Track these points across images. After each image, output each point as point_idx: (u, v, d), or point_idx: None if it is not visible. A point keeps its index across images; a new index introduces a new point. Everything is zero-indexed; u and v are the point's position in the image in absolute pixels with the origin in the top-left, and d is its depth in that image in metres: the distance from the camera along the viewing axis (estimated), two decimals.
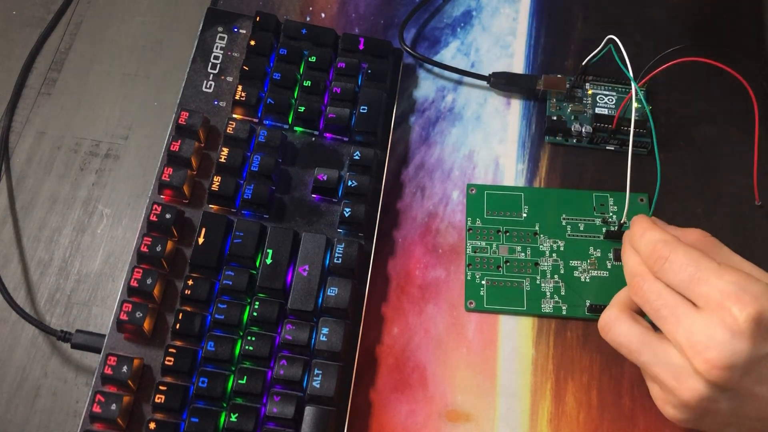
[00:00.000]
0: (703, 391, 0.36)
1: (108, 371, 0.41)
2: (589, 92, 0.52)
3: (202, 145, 0.48)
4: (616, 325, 0.40)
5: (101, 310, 0.47)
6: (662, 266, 0.38)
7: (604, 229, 0.48)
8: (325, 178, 0.47)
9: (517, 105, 0.53)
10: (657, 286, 0.38)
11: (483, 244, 0.48)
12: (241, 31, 0.51)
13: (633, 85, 0.45)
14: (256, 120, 0.49)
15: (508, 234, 0.48)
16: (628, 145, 0.50)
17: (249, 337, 0.42)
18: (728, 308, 0.35)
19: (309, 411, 0.41)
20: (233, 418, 0.41)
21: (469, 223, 0.49)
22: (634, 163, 0.45)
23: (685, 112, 0.52)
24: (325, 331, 0.43)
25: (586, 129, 0.51)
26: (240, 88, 0.48)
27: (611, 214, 0.49)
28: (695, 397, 0.36)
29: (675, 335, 0.37)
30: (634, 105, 0.47)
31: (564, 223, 0.49)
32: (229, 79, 0.50)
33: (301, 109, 0.48)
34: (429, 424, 0.44)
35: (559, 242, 0.48)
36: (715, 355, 0.35)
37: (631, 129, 0.44)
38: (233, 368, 0.43)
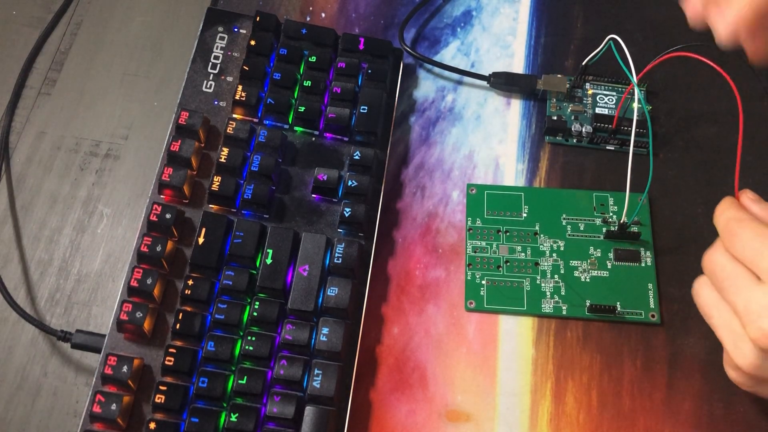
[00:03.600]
0: (755, 358, 0.37)
1: (108, 371, 0.41)
2: (589, 92, 0.52)
3: (202, 145, 0.48)
4: (701, 289, 0.42)
5: (101, 310, 0.47)
6: (731, 241, 0.40)
7: (604, 229, 0.48)
8: (325, 178, 0.47)
9: (517, 105, 0.53)
10: (723, 259, 0.40)
11: (483, 244, 0.48)
12: (241, 31, 0.51)
13: (634, 84, 0.45)
14: (256, 120, 0.49)
15: (508, 234, 0.48)
16: (628, 145, 0.51)
17: (249, 337, 0.42)
18: None
19: (309, 411, 0.41)
20: (233, 418, 0.41)
21: (469, 223, 0.49)
22: (634, 163, 0.45)
23: (685, 112, 0.52)
24: (325, 331, 0.43)
25: (586, 129, 0.51)
26: (240, 88, 0.48)
27: (611, 214, 0.49)
28: (748, 363, 0.38)
29: (735, 304, 0.38)
30: (636, 105, 0.47)
31: (564, 223, 0.49)
32: (229, 79, 0.50)
33: (301, 109, 0.48)
34: (429, 424, 0.44)
35: (559, 242, 0.48)
36: (766, 323, 0.36)
37: (633, 129, 0.44)
38: (233, 368, 0.43)
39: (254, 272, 0.45)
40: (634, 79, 0.45)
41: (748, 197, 0.42)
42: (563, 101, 0.52)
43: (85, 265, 0.48)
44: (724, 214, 0.41)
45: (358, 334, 0.44)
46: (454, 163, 0.51)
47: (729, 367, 0.41)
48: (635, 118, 0.45)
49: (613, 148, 0.51)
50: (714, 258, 0.41)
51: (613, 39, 0.46)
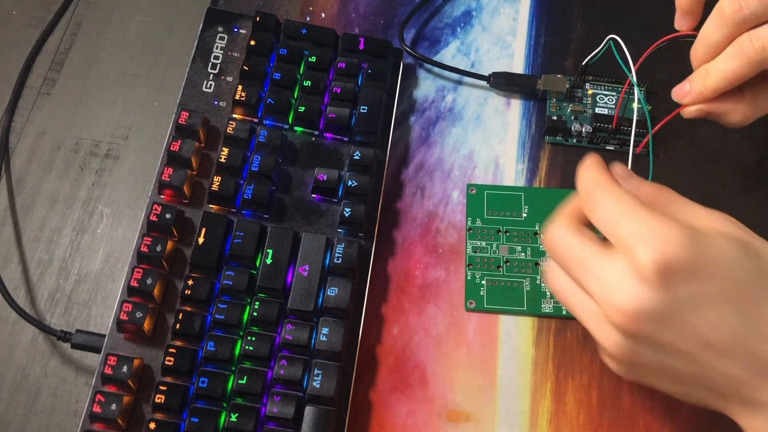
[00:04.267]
0: (620, 340, 0.35)
1: (108, 371, 0.41)
2: (589, 92, 0.52)
3: (202, 145, 0.48)
4: (554, 275, 0.39)
5: (101, 310, 0.47)
6: (589, 206, 0.37)
7: None
8: (325, 178, 0.47)
9: (517, 105, 0.53)
10: (566, 237, 0.37)
11: (483, 244, 0.48)
12: (241, 31, 0.51)
13: (634, 84, 0.45)
14: (256, 120, 0.49)
15: (508, 234, 0.48)
16: (628, 145, 0.51)
17: (249, 337, 0.42)
18: (634, 250, 0.33)
19: (309, 411, 0.41)
20: (233, 418, 0.41)
21: (469, 223, 0.49)
22: (634, 163, 0.45)
23: None
24: (325, 331, 0.43)
25: (586, 129, 0.51)
26: (240, 88, 0.48)
27: None
28: (614, 347, 0.35)
29: (587, 285, 0.35)
30: (635, 105, 0.47)
31: None
32: (229, 79, 0.50)
33: (301, 109, 0.48)
34: (429, 423, 0.44)
35: None
36: (621, 301, 0.33)
37: (633, 129, 0.44)
38: (233, 368, 0.43)
39: (254, 272, 0.45)
40: (634, 79, 0.45)
41: (617, 173, 0.39)
42: (563, 101, 0.52)
43: (85, 265, 0.48)
44: (583, 174, 0.38)
45: (358, 334, 0.44)
46: (454, 163, 0.51)
47: (603, 356, 0.38)
48: (635, 118, 0.45)
49: (613, 148, 0.51)
50: (556, 236, 0.37)
51: (612, 39, 0.46)
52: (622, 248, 0.34)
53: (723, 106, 0.42)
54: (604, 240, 0.36)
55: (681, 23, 0.43)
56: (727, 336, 0.34)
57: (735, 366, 0.34)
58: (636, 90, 0.44)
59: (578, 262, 0.36)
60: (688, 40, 0.51)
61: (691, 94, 0.42)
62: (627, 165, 0.44)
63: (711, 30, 0.40)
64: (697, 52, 0.41)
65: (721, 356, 0.34)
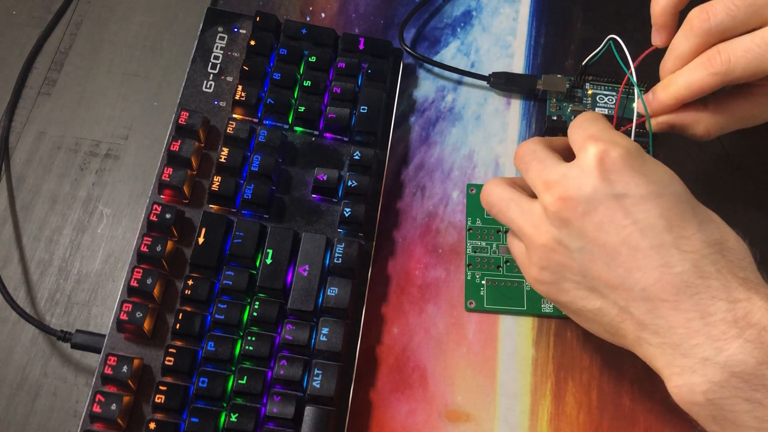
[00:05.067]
0: (553, 232, 0.37)
1: (108, 371, 0.41)
2: (589, 92, 0.52)
3: (202, 145, 0.48)
4: (493, 188, 0.41)
5: (101, 310, 0.47)
6: (570, 129, 0.40)
7: None
8: (325, 178, 0.47)
9: (517, 105, 0.53)
10: (535, 145, 0.40)
11: (483, 244, 0.48)
12: (241, 31, 0.51)
13: (634, 85, 0.45)
14: (256, 120, 0.49)
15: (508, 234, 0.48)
16: None
17: (249, 337, 0.42)
18: (584, 147, 0.37)
19: (309, 411, 0.41)
20: (233, 418, 0.41)
21: (469, 223, 0.49)
22: None
23: None
24: (325, 331, 0.43)
25: None
26: (240, 88, 0.48)
27: None
28: (547, 239, 0.37)
29: (535, 181, 0.39)
30: (635, 105, 0.47)
31: None
32: (229, 79, 0.50)
33: (301, 109, 0.48)
34: (429, 424, 0.44)
35: None
36: (561, 188, 0.37)
37: (633, 128, 0.44)
38: (233, 368, 0.43)
39: (254, 272, 0.45)
40: (634, 79, 0.45)
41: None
42: (563, 101, 0.52)
43: (85, 265, 0.48)
44: (577, 118, 0.42)
45: (358, 334, 0.45)
46: (454, 163, 0.51)
47: (529, 265, 0.40)
48: (635, 118, 0.45)
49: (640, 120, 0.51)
50: (525, 147, 0.41)
51: (612, 39, 0.46)
52: (577, 149, 0.38)
53: (687, 117, 0.43)
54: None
55: (656, 39, 0.44)
56: (648, 238, 0.35)
57: (651, 274, 0.35)
58: (636, 90, 0.44)
59: (538, 162, 0.39)
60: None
61: (654, 101, 0.43)
62: None
63: (680, 40, 0.41)
64: (666, 63, 0.43)
65: (639, 259, 0.35)
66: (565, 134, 0.51)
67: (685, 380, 0.34)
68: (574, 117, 0.51)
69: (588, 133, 0.38)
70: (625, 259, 0.35)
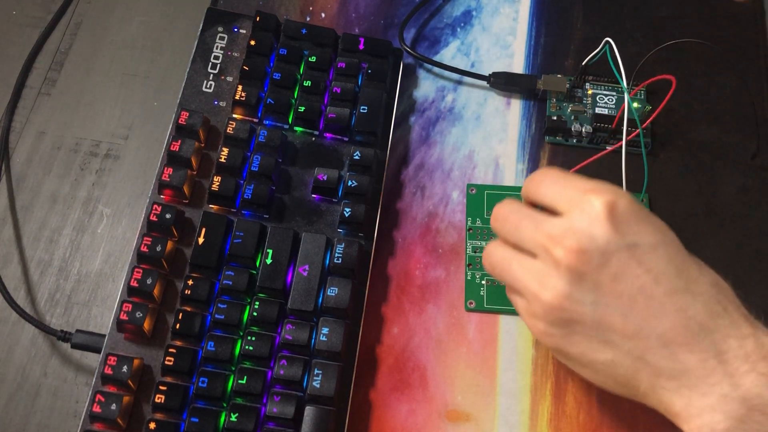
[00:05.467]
0: (565, 287, 0.36)
1: (108, 371, 0.41)
2: (589, 92, 0.52)
3: (202, 145, 0.48)
4: (495, 249, 0.41)
5: (101, 310, 0.47)
6: (540, 185, 0.39)
7: None
8: (325, 178, 0.47)
9: (517, 105, 0.53)
10: (515, 205, 0.40)
11: (483, 244, 0.48)
12: (241, 31, 0.51)
13: (624, 89, 0.45)
14: (256, 120, 0.49)
15: None
16: (628, 145, 0.51)
17: (249, 337, 0.42)
18: (588, 199, 0.36)
19: (309, 411, 0.41)
20: (233, 418, 0.41)
21: (469, 223, 0.49)
22: (633, 163, 0.45)
23: (685, 112, 0.52)
24: (325, 331, 0.43)
25: (586, 129, 0.51)
26: (240, 88, 0.48)
27: None
28: (558, 294, 0.36)
29: (535, 237, 0.37)
30: (635, 105, 0.47)
31: None
32: (229, 79, 0.50)
33: (301, 109, 0.48)
34: (429, 424, 0.44)
35: None
36: (572, 240, 0.36)
37: (624, 128, 0.44)
38: (233, 368, 0.43)
39: (254, 272, 0.45)
40: (624, 82, 0.45)
41: None
42: (563, 101, 0.52)
43: (85, 265, 0.48)
44: (531, 175, 0.41)
45: (358, 334, 0.44)
46: (454, 163, 0.51)
47: (534, 318, 0.38)
48: (626, 117, 0.45)
49: (613, 148, 0.51)
50: (505, 207, 0.40)
51: (608, 43, 0.46)
52: (572, 205, 0.37)
53: None
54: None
55: None
56: (662, 284, 0.35)
57: (668, 319, 0.35)
58: (626, 95, 0.44)
59: (528, 221, 0.38)
60: (688, 41, 0.51)
61: None
62: (622, 165, 0.44)
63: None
64: None
65: (656, 306, 0.35)
66: (565, 134, 0.51)
67: (706, 420, 0.34)
68: (575, 117, 0.51)
69: (583, 186, 0.37)
70: (642, 307, 0.35)
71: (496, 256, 0.40)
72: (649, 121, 0.48)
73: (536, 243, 0.37)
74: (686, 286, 0.36)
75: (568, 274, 0.36)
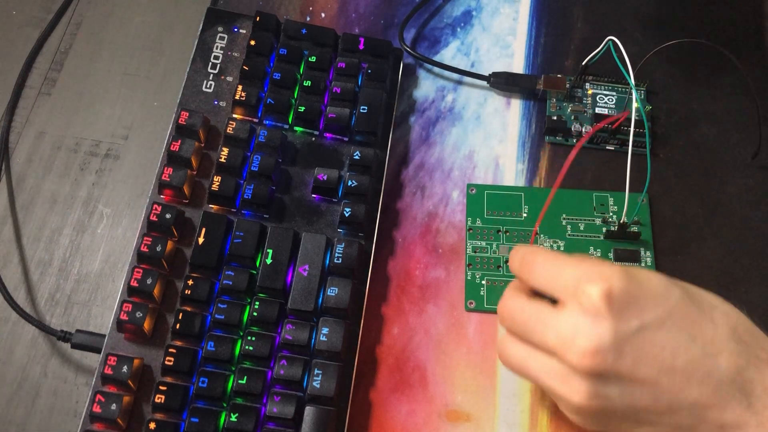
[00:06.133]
0: (589, 387, 0.35)
1: (108, 371, 0.41)
2: (589, 92, 0.52)
3: (202, 145, 0.48)
4: (507, 347, 0.40)
5: (101, 310, 0.47)
6: (531, 272, 0.39)
7: (604, 229, 0.48)
8: (325, 178, 0.47)
9: (517, 105, 0.53)
10: (518, 303, 0.38)
11: (483, 244, 0.48)
12: (241, 31, 0.51)
13: (632, 86, 0.45)
14: (256, 120, 0.49)
15: (508, 234, 0.48)
16: (628, 145, 0.51)
17: (249, 337, 0.42)
18: (582, 290, 0.35)
19: (309, 411, 0.41)
20: (233, 418, 0.41)
21: (469, 223, 0.49)
22: (633, 163, 0.45)
23: (685, 112, 0.52)
24: (325, 331, 0.43)
25: (586, 129, 0.51)
26: (240, 88, 0.48)
27: (611, 214, 0.49)
28: (584, 396, 0.36)
29: (546, 341, 0.37)
30: (634, 105, 0.47)
31: (564, 223, 0.49)
32: (229, 79, 0.50)
33: (301, 109, 0.48)
34: (429, 424, 0.44)
35: (560, 242, 0.48)
36: (582, 343, 0.35)
37: (631, 128, 0.44)
38: (233, 368, 0.43)
39: (254, 272, 0.45)
40: (631, 80, 0.45)
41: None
42: (563, 101, 0.52)
43: (85, 265, 0.48)
44: (517, 252, 0.40)
45: (358, 334, 0.44)
46: (454, 163, 0.51)
47: (571, 413, 0.38)
48: (633, 117, 0.45)
49: (613, 148, 0.51)
50: (508, 305, 0.39)
51: (611, 40, 0.46)
52: (568, 295, 0.36)
53: None
54: (552, 301, 0.38)
55: None
56: (680, 357, 0.35)
57: (695, 389, 0.35)
58: (633, 92, 0.44)
59: (534, 321, 0.37)
60: (688, 41, 0.51)
61: None
62: (626, 165, 0.44)
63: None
64: None
65: (680, 380, 0.35)
66: (565, 134, 0.51)
67: None
68: (575, 117, 0.51)
69: (574, 275, 0.36)
70: (667, 385, 0.35)
71: (512, 353, 0.39)
72: (616, 124, 0.49)
73: (548, 346, 0.37)
74: (704, 349, 0.35)
75: (587, 376, 0.35)
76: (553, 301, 0.37)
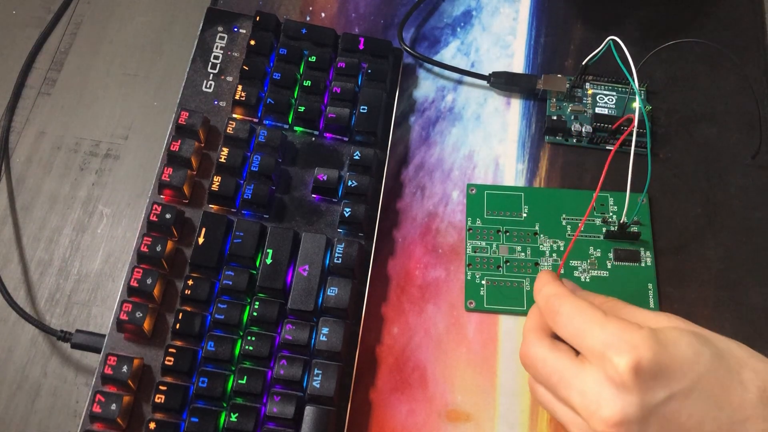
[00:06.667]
0: None
1: (108, 371, 0.41)
2: (589, 92, 0.52)
3: (202, 145, 0.48)
4: (535, 386, 0.40)
5: (101, 310, 0.47)
6: (554, 320, 0.38)
7: (604, 229, 0.48)
8: (325, 178, 0.47)
9: (517, 105, 0.53)
10: (542, 351, 0.38)
11: (483, 244, 0.48)
12: (241, 31, 0.51)
13: (634, 87, 0.45)
14: (256, 120, 0.49)
15: (508, 234, 0.48)
16: (627, 145, 0.51)
17: (249, 337, 0.42)
18: (609, 359, 0.34)
19: (309, 411, 0.41)
20: (233, 418, 0.41)
21: (469, 223, 0.49)
22: (633, 163, 0.45)
23: (685, 112, 0.52)
24: (325, 331, 0.43)
25: (586, 129, 0.51)
26: (240, 88, 0.48)
27: (611, 214, 0.49)
28: None
29: (569, 400, 0.36)
30: (636, 105, 0.47)
31: (564, 223, 0.49)
32: (229, 79, 0.50)
33: (301, 109, 0.48)
34: (429, 424, 0.44)
35: (559, 242, 0.48)
36: (607, 413, 0.34)
37: (635, 129, 0.44)
38: (233, 368, 0.43)
39: (254, 272, 0.45)
40: (635, 82, 0.45)
41: (567, 286, 0.41)
42: (563, 101, 0.52)
43: (85, 265, 0.48)
44: (543, 290, 0.39)
45: (358, 334, 0.44)
46: (454, 163, 0.51)
47: None
48: (637, 117, 0.45)
49: (612, 148, 0.51)
50: (530, 354, 0.38)
51: (613, 40, 0.46)
52: (595, 358, 0.35)
53: None
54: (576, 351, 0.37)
55: None
56: (706, 426, 0.34)
57: None
58: (636, 92, 0.44)
59: (558, 378, 0.37)
60: (688, 41, 0.51)
61: None
62: (629, 165, 0.44)
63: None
64: None
65: None
66: (565, 134, 0.51)
67: None
68: (575, 117, 0.51)
69: (602, 339, 0.35)
70: None
71: (539, 394, 0.39)
72: (617, 124, 0.49)
73: (572, 405, 0.36)
74: (731, 416, 0.34)
75: None
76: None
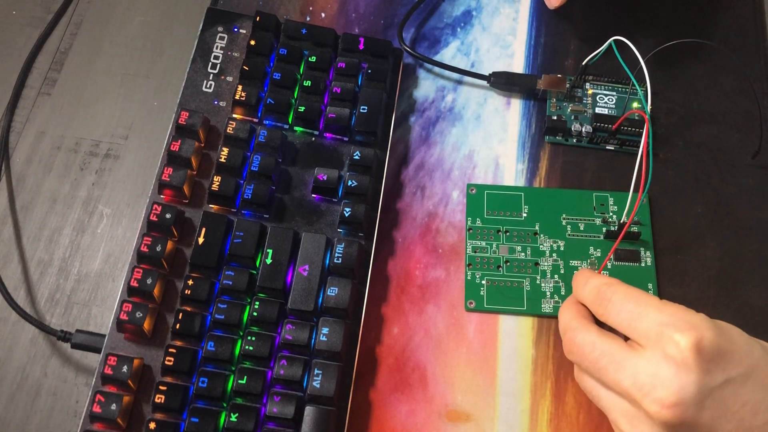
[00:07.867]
0: None
1: (108, 371, 0.41)
2: (589, 92, 0.52)
3: (202, 145, 0.48)
4: (583, 375, 0.39)
5: (101, 310, 0.47)
6: (606, 307, 0.37)
7: (604, 229, 0.48)
8: (325, 178, 0.47)
9: (517, 105, 0.53)
10: (590, 336, 0.37)
11: (483, 244, 0.48)
12: (241, 31, 0.51)
13: (636, 86, 0.45)
14: (256, 120, 0.49)
15: (508, 234, 0.48)
16: (627, 145, 0.51)
17: (249, 337, 0.42)
18: (669, 337, 0.34)
19: (309, 411, 0.41)
20: (233, 418, 0.41)
21: (469, 222, 0.49)
22: (632, 162, 0.45)
23: (685, 112, 0.52)
24: (325, 331, 0.43)
25: (586, 129, 0.51)
26: (240, 88, 0.48)
27: (611, 214, 0.49)
28: None
29: (619, 382, 0.35)
30: (634, 105, 0.47)
31: (564, 223, 0.49)
32: (229, 79, 0.50)
33: (301, 109, 0.48)
34: (429, 424, 0.44)
35: (559, 242, 0.48)
36: (664, 393, 0.33)
37: (642, 129, 0.44)
38: (233, 368, 0.43)
39: (254, 272, 0.45)
40: (646, 78, 0.45)
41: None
42: (563, 101, 0.52)
43: (85, 265, 0.48)
44: (590, 282, 0.39)
45: (358, 334, 0.44)
46: (454, 163, 0.51)
47: None
48: (647, 115, 0.45)
49: (612, 148, 0.51)
50: (579, 339, 0.38)
51: (616, 40, 0.46)
52: (649, 340, 0.35)
53: None
54: (624, 337, 0.37)
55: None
56: (760, 415, 0.34)
57: None
58: (639, 91, 0.44)
59: (607, 361, 0.36)
60: (688, 41, 0.51)
61: None
62: (626, 165, 0.44)
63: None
64: None
65: None
66: (565, 134, 0.51)
67: None
68: (575, 117, 0.51)
69: (659, 319, 0.35)
70: None
71: (585, 383, 0.39)
72: (617, 124, 0.49)
73: (621, 389, 0.36)
74: None
75: (664, 427, 0.34)
76: (625, 338, 0.36)
